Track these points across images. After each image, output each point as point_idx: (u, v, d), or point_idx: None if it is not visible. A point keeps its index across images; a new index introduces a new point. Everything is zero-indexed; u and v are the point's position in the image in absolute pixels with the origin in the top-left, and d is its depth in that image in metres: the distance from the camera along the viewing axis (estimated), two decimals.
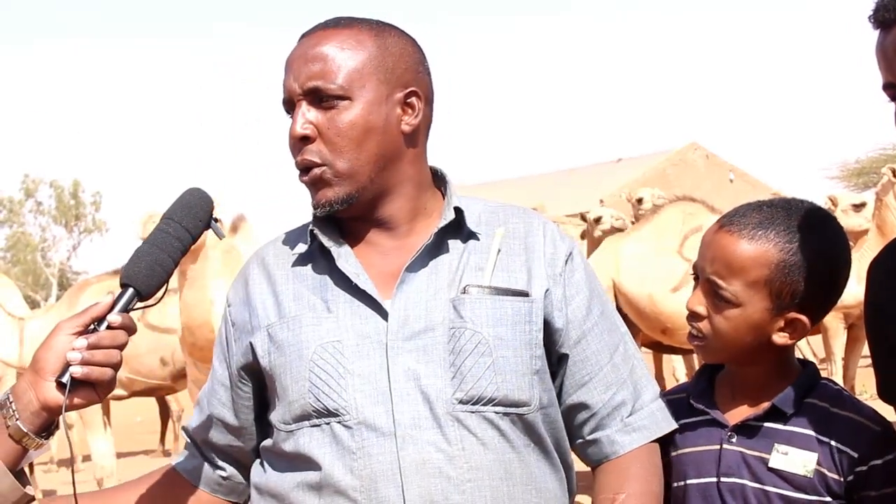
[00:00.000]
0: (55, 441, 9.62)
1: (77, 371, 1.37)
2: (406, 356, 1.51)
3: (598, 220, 7.62)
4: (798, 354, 1.77)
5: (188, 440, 1.73)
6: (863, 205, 7.08)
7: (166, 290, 1.49)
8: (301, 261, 1.62)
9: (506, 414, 1.52)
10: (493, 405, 1.51)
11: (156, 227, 1.51)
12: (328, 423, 1.51)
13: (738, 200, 2.01)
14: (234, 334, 1.64)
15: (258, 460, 1.63)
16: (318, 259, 1.61)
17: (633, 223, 8.53)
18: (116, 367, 1.41)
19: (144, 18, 71.28)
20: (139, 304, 1.46)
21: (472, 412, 1.50)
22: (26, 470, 1.44)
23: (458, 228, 1.60)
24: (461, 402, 1.50)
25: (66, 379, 1.37)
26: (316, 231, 1.60)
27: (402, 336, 1.52)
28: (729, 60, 73.01)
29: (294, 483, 1.53)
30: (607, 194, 21.98)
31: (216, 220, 1.54)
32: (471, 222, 1.61)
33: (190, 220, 1.50)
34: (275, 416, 1.57)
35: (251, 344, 1.60)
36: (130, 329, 1.43)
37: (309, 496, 1.51)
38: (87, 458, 8.88)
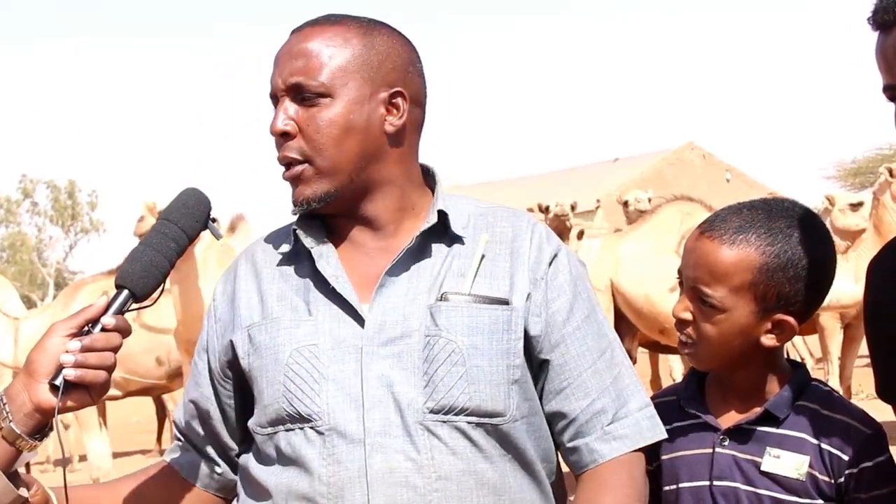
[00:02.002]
0: (51, 441, 9.61)
1: (70, 374, 1.36)
2: (380, 362, 1.49)
3: (546, 210, 7.68)
4: (795, 355, 1.76)
5: (177, 434, 1.71)
6: (860, 204, 7.09)
7: (162, 291, 1.48)
8: (286, 261, 1.60)
9: (479, 424, 1.49)
10: (465, 415, 1.48)
11: (152, 227, 1.50)
12: (301, 429, 1.49)
13: (735, 200, 2.00)
14: (218, 330, 1.63)
15: (247, 451, 1.61)
16: (302, 259, 1.58)
17: (618, 222, 8.51)
18: (110, 369, 1.40)
19: (143, 18, 71.26)
20: (134, 306, 1.45)
21: (444, 422, 1.48)
22: (21, 471, 1.43)
23: (443, 231, 1.57)
24: (432, 411, 1.48)
25: (59, 381, 1.36)
26: (298, 231, 1.57)
27: (378, 342, 1.50)
28: (726, 60, 73.12)
29: (270, 479, 1.52)
30: (604, 194, 21.97)
31: (213, 220, 1.53)
32: (457, 225, 1.58)
33: (186, 221, 1.49)
34: (252, 420, 1.56)
35: (232, 342, 1.58)
36: (125, 331, 1.42)
37: (280, 495, 1.50)
38: (83, 459, 8.86)
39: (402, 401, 1.47)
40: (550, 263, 1.58)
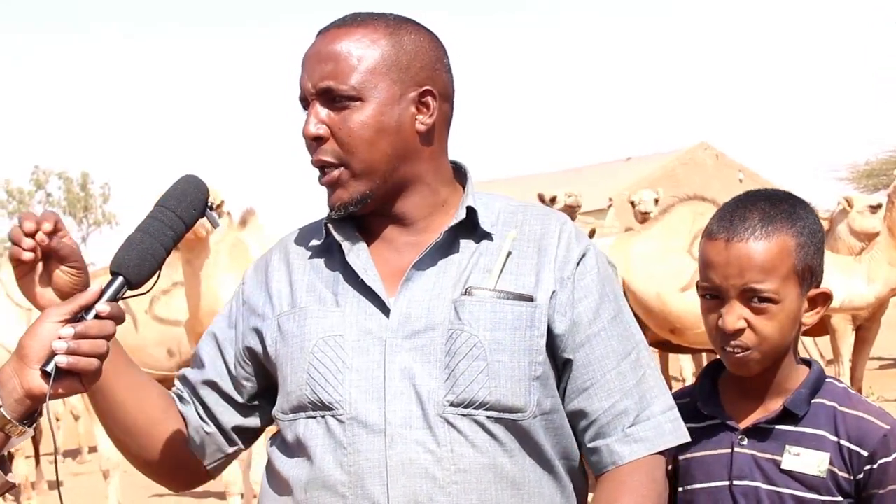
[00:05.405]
0: (62, 432, 9.64)
1: (62, 361, 1.34)
2: (404, 355, 1.50)
3: (553, 200, 7.63)
4: (803, 354, 1.76)
5: (180, 385, 1.70)
6: (879, 206, 7.03)
7: (158, 279, 1.46)
8: (318, 253, 1.62)
9: (498, 419, 1.49)
10: (485, 409, 1.49)
11: (148, 214, 1.48)
12: (323, 417, 1.51)
13: None
14: (244, 312, 1.65)
15: (272, 438, 1.64)
16: (334, 252, 1.60)
17: (630, 221, 8.50)
18: (103, 357, 1.38)
19: (155, 9, 71.55)
20: (129, 294, 1.44)
21: (463, 415, 1.48)
22: (8, 455, 1.42)
23: (472, 228, 1.58)
24: (452, 404, 1.48)
25: (50, 368, 1.34)
26: (329, 226, 1.59)
27: (402, 334, 1.51)
28: (740, 60, 72.98)
29: (291, 470, 1.54)
30: (616, 193, 21.91)
31: (211, 209, 1.51)
32: (486, 222, 1.58)
33: (183, 208, 1.47)
34: (275, 407, 1.59)
35: (259, 331, 1.61)
36: (119, 319, 1.40)
37: (300, 485, 1.52)
38: (93, 450, 8.88)
39: (422, 393, 1.48)
40: (578, 263, 1.57)
